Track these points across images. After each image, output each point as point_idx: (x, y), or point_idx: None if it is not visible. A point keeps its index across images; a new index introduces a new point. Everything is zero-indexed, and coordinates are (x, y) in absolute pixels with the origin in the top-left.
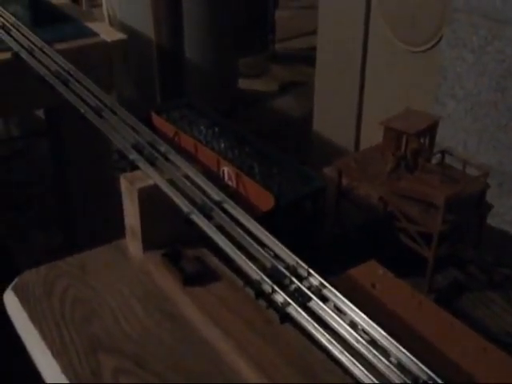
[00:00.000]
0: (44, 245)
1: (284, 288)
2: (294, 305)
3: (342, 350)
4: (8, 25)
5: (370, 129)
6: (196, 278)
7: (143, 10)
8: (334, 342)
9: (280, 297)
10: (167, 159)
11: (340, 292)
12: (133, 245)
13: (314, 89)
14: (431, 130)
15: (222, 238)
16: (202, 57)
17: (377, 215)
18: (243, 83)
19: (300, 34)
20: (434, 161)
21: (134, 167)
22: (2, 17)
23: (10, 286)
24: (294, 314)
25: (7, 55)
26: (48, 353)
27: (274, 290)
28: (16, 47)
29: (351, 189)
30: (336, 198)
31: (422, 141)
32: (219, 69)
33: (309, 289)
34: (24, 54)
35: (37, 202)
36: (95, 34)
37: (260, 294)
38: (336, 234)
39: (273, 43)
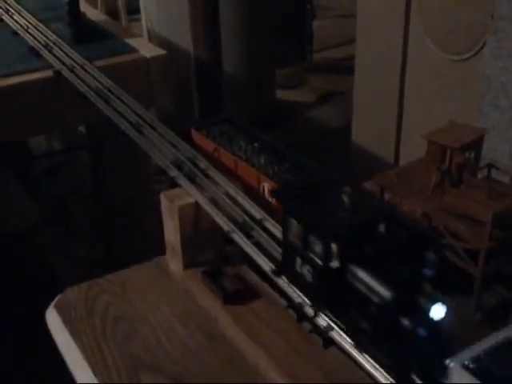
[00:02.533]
0: (85, 257)
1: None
2: (338, 329)
3: (386, 374)
4: (50, 43)
5: (410, 139)
6: (236, 296)
7: (182, 24)
8: (378, 367)
9: (323, 321)
10: (207, 176)
11: None
12: (173, 262)
13: (353, 99)
14: (476, 143)
15: (263, 257)
16: (239, 68)
17: (421, 231)
18: (281, 94)
19: (337, 43)
20: (480, 175)
21: (173, 184)
22: (44, 35)
23: (52, 304)
24: (337, 338)
25: (49, 73)
26: (89, 371)
27: (316, 314)
28: (57, 65)
29: (394, 204)
30: None
31: (467, 154)
32: (257, 80)
33: None
34: (65, 72)
35: (77, 215)
36: (135, 50)
37: (303, 317)
38: None
39: (310, 53)
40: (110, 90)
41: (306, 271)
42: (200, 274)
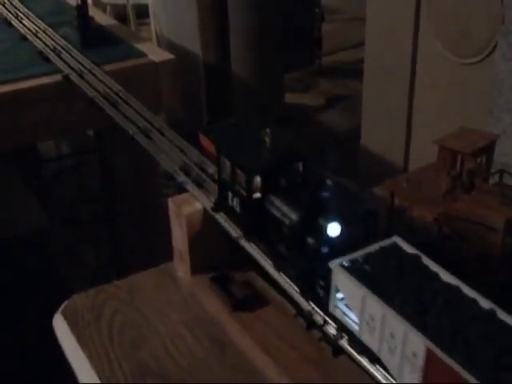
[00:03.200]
0: (93, 261)
1: (336, 320)
2: (346, 337)
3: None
4: (58, 47)
5: (420, 143)
6: (245, 303)
7: (191, 29)
8: (387, 375)
9: (332, 329)
10: (215, 181)
11: None
12: (181, 268)
13: (362, 103)
14: (488, 148)
15: (268, 260)
16: (248, 72)
17: (432, 238)
18: (290, 98)
19: (346, 47)
20: (492, 180)
21: (181, 189)
22: (53, 39)
23: (59, 310)
24: (347, 347)
25: (58, 78)
26: (95, 377)
27: (326, 322)
28: (66, 69)
29: (404, 210)
30: (388, 220)
31: (478, 160)
32: (265, 84)
33: None
34: (74, 77)
35: (86, 219)
36: (143, 55)
37: (312, 325)
38: None
39: (319, 57)
40: (118, 95)
41: (235, 203)
42: (208, 281)
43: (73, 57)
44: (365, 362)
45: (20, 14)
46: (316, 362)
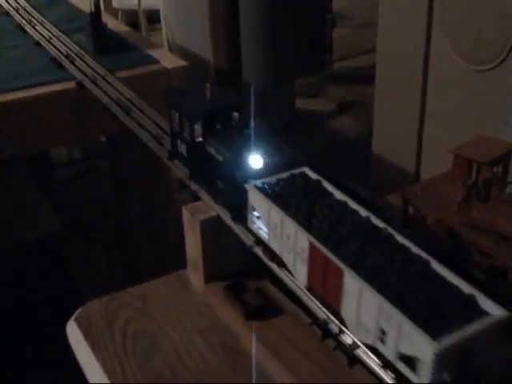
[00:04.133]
0: (105, 267)
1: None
2: (364, 347)
3: None
4: (72, 54)
5: (432, 150)
6: (259, 311)
7: (202, 35)
8: None
9: (348, 338)
10: None
11: None
12: (194, 276)
13: (374, 109)
14: (505, 158)
15: (286, 272)
16: (259, 77)
17: (447, 247)
18: (300, 103)
19: (357, 52)
20: (508, 190)
21: (195, 197)
22: (66, 46)
23: (73, 317)
24: (363, 356)
25: (71, 84)
26: None
27: (341, 331)
28: (79, 76)
29: (418, 218)
30: (402, 228)
31: (494, 169)
32: (276, 89)
33: None
34: (87, 83)
35: (98, 225)
36: (156, 61)
37: (327, 334)
38: None
39: (330, 63)
40: (131, 101)
41: (183, 149)
42: (222, 289)
43: (86, 63)
44: (381, 372)
45: (34, 21)
46: (331, 371)
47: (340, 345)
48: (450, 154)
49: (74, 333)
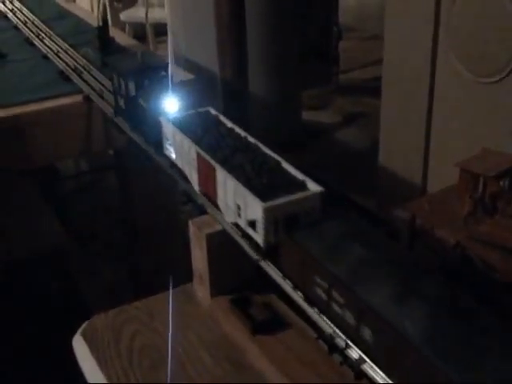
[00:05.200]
0: (111, 278)
1: (358, 343)
2: (370, 362)
3: None
4: (79, 67)
5: (439, 162)
6: (265, 325)
7: (209, 48)
8: None
9: (355, 353)
10: None
11: None
12: (200, 290)
13: (380, 121)
14: (511, 171)
15: (293, 287)
16: (265, 89)
17: (454, 261)
18: (307, 115)
19: (363, 64)
20: None
21: (202, 211)
22: (74, 59)
23: (79, 331)
24: (369, 371)
25: (78, 98)
26: None
27: (348, 345)
28: (87, 89)
29: (425, 232)
30: (409, 242)
31: (501, 183)
32: (283, 101)
33: None
34: (94, 97)
35: (104, 237)
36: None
37: (333, 349)
38: None
39: (336, 75)
40: None
41: (122, 104)
42: (228, 303)
43: (93, 77)
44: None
45: (42, 34)
46: None
47: (346, 359)
48: (456, 166)
49: (80, 346)
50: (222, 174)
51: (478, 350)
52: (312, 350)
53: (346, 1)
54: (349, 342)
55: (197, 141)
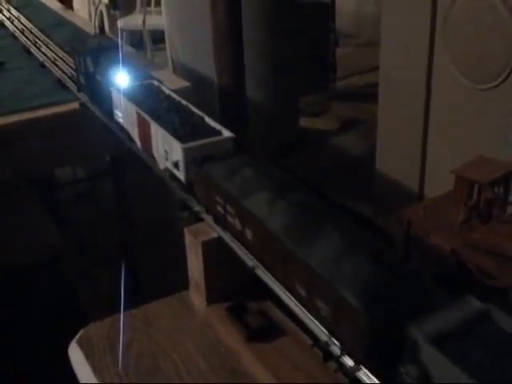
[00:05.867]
0: (108, 285)
1: (353, 351)
2: (364, 369)
3: None
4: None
5: (436, 168)
6: (261, 333)
7: (206, 54)
8: None
9: (349, 360)
10: None
11: None
12: (196, 297)
13: (377, 127)
14: (506, 178)
15: (288, 294)
16: (263, 95)
17: (449, 268)
18: (304, 122)
19: (360, 71)
20: (510, 210)
21: (198, 219)
22: (71, 67)
23: (75, 339)
24: (364, 378)
25: (75, 105)
26: None
27: (342, 353)
28: (83, 97)
29: (421, 239)
30: (405, 249)
31: (496, 190)
32: (280, 107)
33: None
34: (90, 104)
35: (102, 243)
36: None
37: (328, 356)
38: None
39: (333, 81)
40: None
41: (82, 80)
42: (223, 310)
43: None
44: None
45: (39, 42)
46: None
47: (341, 367)
48: (452, 173)
49: (75, 354)
50: (154, 127)
51: (316, 228)
52: (307, 357)
53: (343, 8)
54: (344, 349)
55: (137, 104)
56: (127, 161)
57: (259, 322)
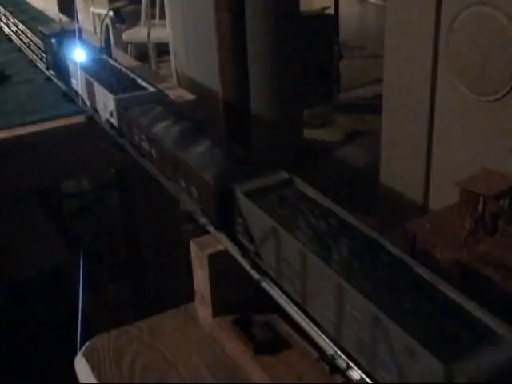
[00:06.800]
0: (114, 297)
1: (359, 364)
2: (371, 382)
3: None
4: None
5: (440, 180)
6: (267, 346)
7: (210, 67)
8: None
9: (356, 373)
10: None
11: None
12: (202, 310)
13: (381, 139)
14: (510, 191)
15: (294, 307)
16: (267, 107)
17: (454, 280)
18: (308, 133)
19: (364, 83)
20: None
21: (204, 231)
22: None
23: (81, 352)
24: None
25: (81, 118)
26: None
27: (349, 366)
28: (89, 110)
29: (426, 251)
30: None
31: (501, 203)
32: (284, 120)
33: None
34: (97, 117)
35: (107, 255)
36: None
37: (335, 369)
38: None
39: (337, 93)
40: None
41: (50, 60)
42: (229, 323)
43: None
44: None
45: (45, 56)
46: None
47: (348, 380)
48: (457, 186)
49: (81, 367)
50: (97, 86)
51: (194, 141)
52: (313, 370)
53: (347, 20)
54: (350, 362)
55: (86, 71)
56: (133, 173)
57: (265, 334)
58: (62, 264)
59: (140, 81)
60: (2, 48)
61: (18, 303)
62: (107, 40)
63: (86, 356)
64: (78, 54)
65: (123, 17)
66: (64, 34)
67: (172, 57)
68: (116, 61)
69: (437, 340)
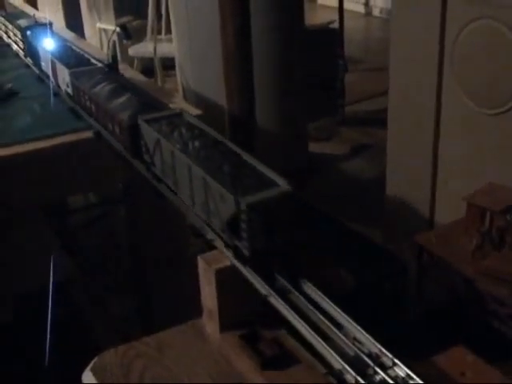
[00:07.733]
0: (120, 312)
1: (368, 379)
2: None
3: None
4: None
5: (446, 194)
6: (274, 361)
7: (216, 81)
8: None
9: None
10: None
11: (428, 383)
12: (210, 325)
13: (387, 152)
14: None
15: (302, 322)
16: (272, 122)
17: (461, 295)
18: (314, 147)
19: (369, 96)
20: None
21: (211, 247)
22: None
23: (89, 367)
24: None
25: (89, 134)
26: None
27: (357, 382)
28: (97, 126)
29: (433, 265)
30: (417, 276)
31: (508, 217)
32: (290, 133)
33: (395, 380)
34: (104, 133)
35: (113, 269)
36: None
37: None
38: (417, 314)
39: (342, 107)
40: None
41: (27, 48)
42: (237, 338)
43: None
44: None
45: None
46: None
47: None
48: (463, 200)
49: (89, 382)
50: (58, 64)
51: (120, 94)
52: None
53: (352, 34)
54: (358, 378)
55: (51, 54)
56: (139, 188)
57: (273, 350)
58: (68, 277)
59: (92, 60)
60: (9, 64)
61: (22, 316)
62: (114, 56)
63: (94, 371)
64: (47, 42)
65: (130, 33)
66: (37, 27)
67: (178, 71)
68: (123, 76)
69: (237, 188)
